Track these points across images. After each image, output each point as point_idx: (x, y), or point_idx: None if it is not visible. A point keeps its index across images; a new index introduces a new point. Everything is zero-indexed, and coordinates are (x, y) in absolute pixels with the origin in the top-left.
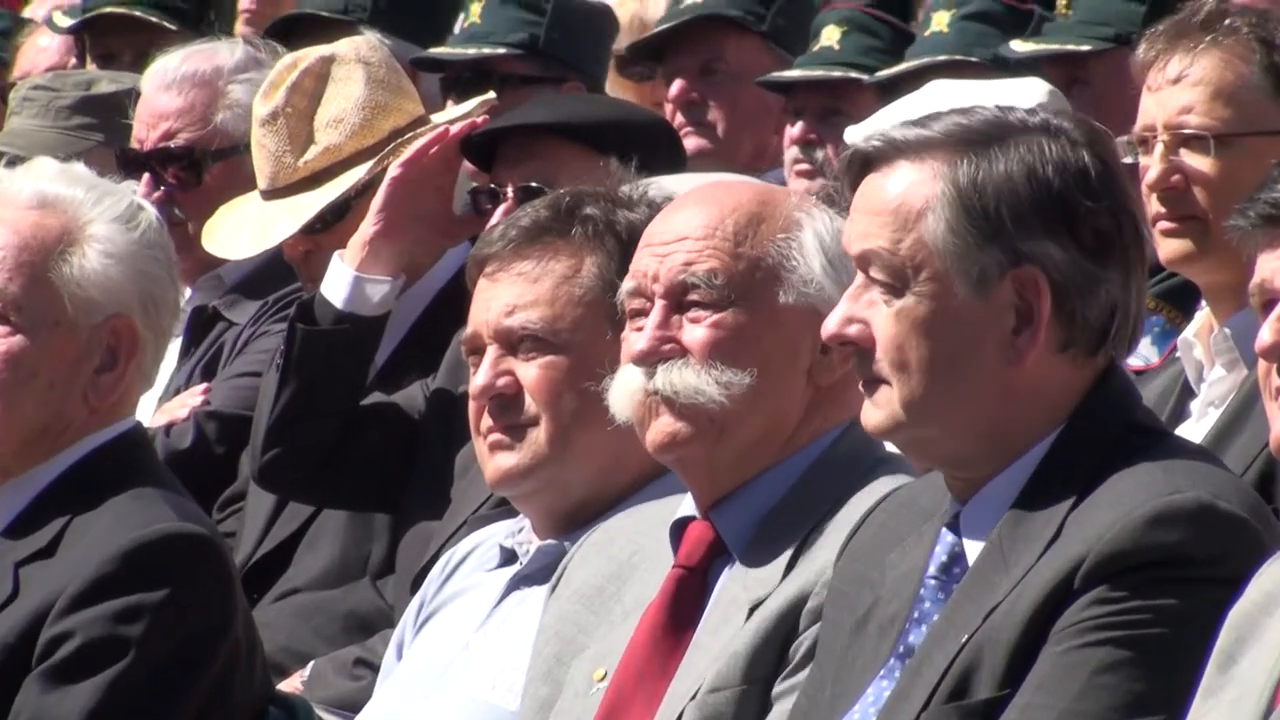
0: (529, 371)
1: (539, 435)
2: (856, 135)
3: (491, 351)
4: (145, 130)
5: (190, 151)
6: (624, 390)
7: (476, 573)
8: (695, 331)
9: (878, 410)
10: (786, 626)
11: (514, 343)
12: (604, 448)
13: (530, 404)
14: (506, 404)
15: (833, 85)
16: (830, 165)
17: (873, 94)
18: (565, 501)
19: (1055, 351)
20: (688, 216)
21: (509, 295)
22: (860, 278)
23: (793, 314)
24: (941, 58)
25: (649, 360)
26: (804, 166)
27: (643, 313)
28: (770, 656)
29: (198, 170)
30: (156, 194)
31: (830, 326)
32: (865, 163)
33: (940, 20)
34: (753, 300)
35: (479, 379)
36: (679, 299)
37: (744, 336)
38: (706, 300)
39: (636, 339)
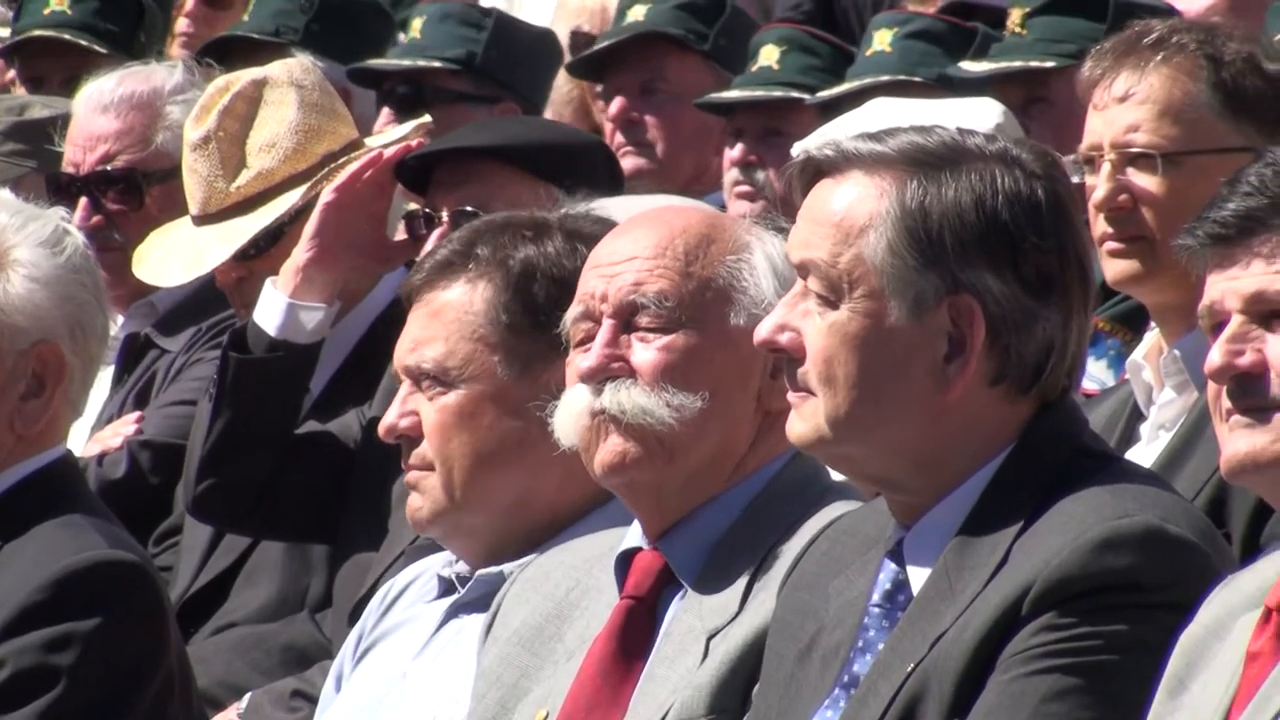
0: (428, 413)
1: (435, 481)
2: (806, 148)
3: (404, 388)
4: (81, 154)
5: (130, 174)
6: (570, 411)
7: (416, 604)
8: (645, 353)
9: (802, 422)
10: (752, 657)
11: (418, 380)
12: (505, 489)
13: (427, 447)
14: (413, 443)
15: (773, 106)
16: (771, 187)
17: (813, 114)
18: (476, 543)
19: (987, 384)
20: (636, 237)
21: (415, 330)
22: (799, 285)
23: (744, 336)
24: (885, 78)
25: (596, 377)
26: (744, 188)
27: (590, 338)
28: (736, 686)
29: (138, 193)
30: (96, 219)
31: (762, 332)
32: (817, 171)
33: (883, 39)
34: (703, 322)
35: (386, 417)
36: (628, 319)
37: (695, 359)
38: (656, 323)
39: (583, 358)
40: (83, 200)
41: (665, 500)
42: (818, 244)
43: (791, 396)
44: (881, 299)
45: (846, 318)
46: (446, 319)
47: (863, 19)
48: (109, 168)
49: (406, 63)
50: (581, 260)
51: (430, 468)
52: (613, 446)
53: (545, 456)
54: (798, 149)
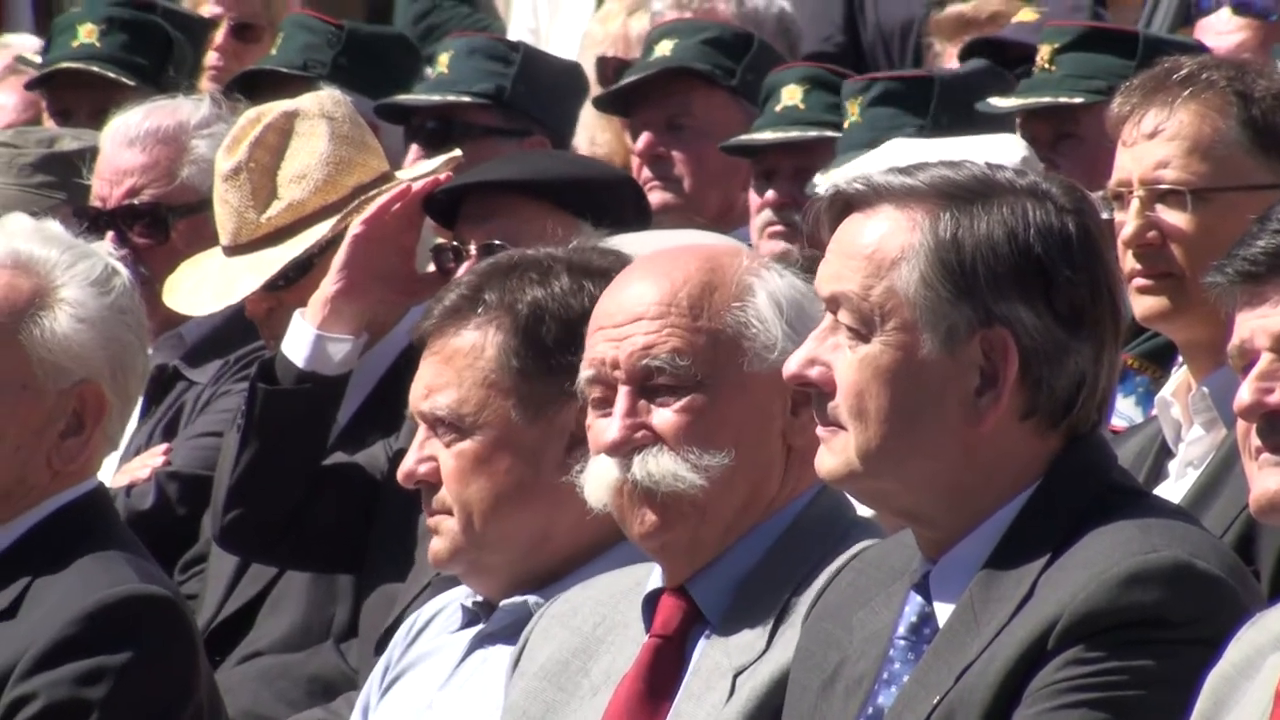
0: (446, 459)
1: (453, 525)
2: (827, 184)
3: (420, 434)
4: (108, 188)
5: (156, 208)
6: (600, 482)
7: (441, 635)
8: (665, 416)
9: (832, 457)
10: (779, 694)
11: (433, 425)
12: (522, 529)
13: (444, 492)
14: (431, 489)
15: (806, 145)
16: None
17: None
18: (496, 581)
19: (1018, 418)
20: (638, 294)
21: (428, 376)
22: (828, 319)
23: (759, 381)
24: (865, 152)
25: (622, 450)
26: (779, 229)
27: (605, 401)
28: None
29: (164, 227)
30: (122, 253)
31: (791, 366)
32: (846, 205)
33: (853, 109)
34: (718, 376)
35: (404, 463)
36: (643, 383)
37: (716, 416)
38: (673, 383)
39: (605, 428)
40: (109, 234)
41: (698, 552)
42: (849, 277)
43: (821, 431)
44: (914, 331)
45: (878, 350)
46: (458, 365)
47: (890, 53)
48: (135, 202)
49: (435, 98)
50: (588, 298)
51: (449, 512)
52: (648, 518)
53: (561, 495)
54: (823, 183)
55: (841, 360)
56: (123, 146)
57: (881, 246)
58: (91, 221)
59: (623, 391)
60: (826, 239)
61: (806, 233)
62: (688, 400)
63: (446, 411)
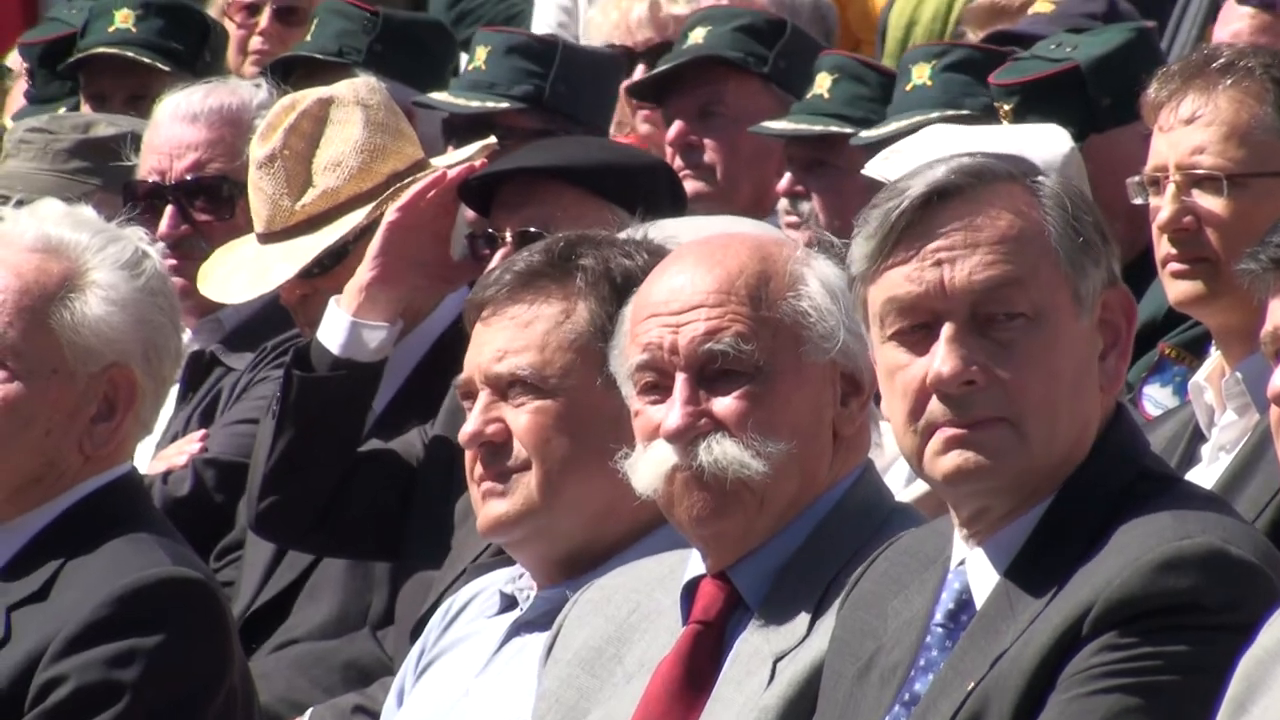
0: (519, 418)
1: (529, 481)
2: (877, 171)
3: (483, 397)
4: (167, 161)
5: (222, 182)
6: (656, 468)
7: (478, 620)
8: (726, 403)
9: (978, 455)
10: (819, 680)
11: (504, 388)
12: (595, 496)
13: (520, 450)
14: (496, 451)
15: (822, 139)
16: (816, 217)
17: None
18: (555, 550)
19: None
20: (693, 280)
21: (501, 340)
22: (950, 325)
23: (815, 371)
24: (934, 114)
25: (685, 438)
26: (792, 219)
27: (656, 387)
28: (802, 709)
29: (230, 204)
30: (183, 228)
31: (948, 370)
32: (930, 199)
33: (921, 73)
34: (777, 364)
35: (468, 425)
36: (702, 370)
37: (776, 404)
38: (735, 369)
39: (664, 415)
40: (169, 209)
41: (747, 541)
42: (1003, 261)
43: (952, 431)
44: (1072, 303)
45: (1049, 330)
46: (541, 330)
47: None
48: (199, 176)
49: (474, 104)
50: None
51: (523, 469)
52: (707, 504)
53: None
54: (876, 173)
55: (1011, 356)
56: (184, 122)
57: (1024, 226)
58: (146, 197)
59: (681, 378)
60: (900, 235)
61: (819, 229)
62: (748, 387)
63: (529, 371)
